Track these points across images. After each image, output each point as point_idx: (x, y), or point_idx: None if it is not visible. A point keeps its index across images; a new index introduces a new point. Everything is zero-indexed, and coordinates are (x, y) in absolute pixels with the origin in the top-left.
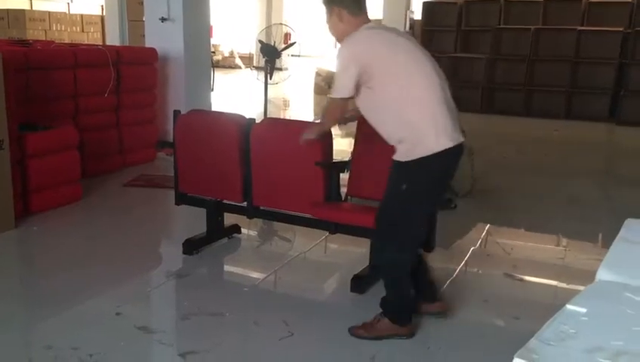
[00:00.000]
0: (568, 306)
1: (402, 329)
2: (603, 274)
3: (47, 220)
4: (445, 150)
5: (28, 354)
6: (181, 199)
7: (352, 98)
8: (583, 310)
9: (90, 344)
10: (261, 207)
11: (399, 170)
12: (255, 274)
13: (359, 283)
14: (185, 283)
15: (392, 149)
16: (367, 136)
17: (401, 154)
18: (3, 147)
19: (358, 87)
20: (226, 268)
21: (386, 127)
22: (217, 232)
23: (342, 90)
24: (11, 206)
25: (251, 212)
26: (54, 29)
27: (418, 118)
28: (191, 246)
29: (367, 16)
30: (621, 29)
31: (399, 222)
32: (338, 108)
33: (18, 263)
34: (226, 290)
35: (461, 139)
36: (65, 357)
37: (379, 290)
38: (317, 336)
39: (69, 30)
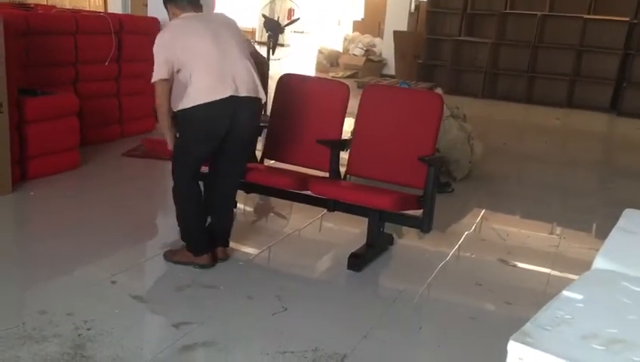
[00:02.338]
0: (564, 292)
1: (197, 258)
2: (600, 263)
3: (45, 186)
4: (200, 105)
5: (22, 317)
6: None
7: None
8: (580, 296)
9: (85, 310)
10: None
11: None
12: (250, 249)
13: (356, 261)
14: None
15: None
16: (367, 116)
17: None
18: (2, 110)
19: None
20: None
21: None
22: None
23: (155, 74)
24: (9, 170)
25: (249, 187)
26: None
27: (194, 83)
28: None
29: (194, 8)
30: (627, 19)
31: (175, 161)
32: (158, 91)
33: (14, 228)
34: (221, 264)
35: (225, 95)
36: (59, 322)
37: (375, 269)
38: (310, 313)
39: None
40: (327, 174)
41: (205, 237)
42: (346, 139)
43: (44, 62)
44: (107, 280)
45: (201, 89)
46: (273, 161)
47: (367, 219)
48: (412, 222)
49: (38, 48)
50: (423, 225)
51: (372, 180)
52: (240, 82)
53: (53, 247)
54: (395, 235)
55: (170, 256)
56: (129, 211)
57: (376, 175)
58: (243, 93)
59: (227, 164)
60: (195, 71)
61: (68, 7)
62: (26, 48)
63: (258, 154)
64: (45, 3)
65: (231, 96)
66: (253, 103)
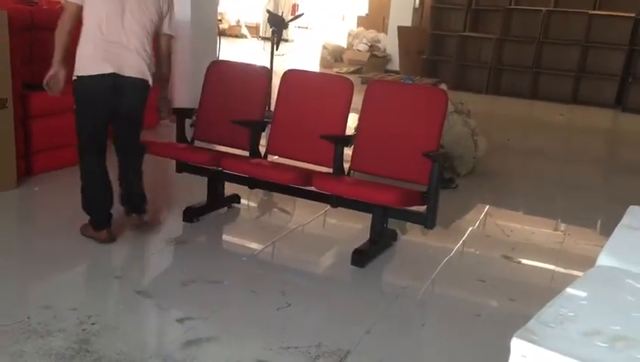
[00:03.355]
0: (568, 289)
1: (98, 233)
2: (604, 260)
3: (49, 181)
4: (84, 76)
5: (27, 311)
6: (182, 167)
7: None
8: (583, 294)
9: (89, 305)
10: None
11: None
12: (254, 245)
13: (360, 257)
14: (184, 250)
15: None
16: (371, 112)
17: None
18: (6, 106)
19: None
20: (225, 237)
21: None
22: (217, 201)
23: None
24: (14, 165)
25: (252, 182)
26: None
27: (82, 44)
28: (191, 214)
29: None
30: (633, 14)
31: (77, 133)
32: (65, 14)
33: (19, 222)
34: (225, 259)
35: (107, 71)
36: (63, 316)
37: (379, 265)
38: (313, 308)
39: None
40: (330, 170)
41: (105, 214)
42: (350, 135)
43: (48, 57)
44: (111, 275)
45: (86, 59)
46: (276, 157)
47: (370, 215)
48: (416, 218)
49: (42, 43)
50: (427, 221)
51: (376, 176)
52: (125, 61)
53: (57, 242)
54: (398, 231)
55: (82, 230)
56: None
57: (379, 171)
58: (126, 74)
59: (117, 132)
60: (85, 34)
61: None
62: (30, 43)
63: (262, 149)
64: None
65: (113, 73)
66: (137, 83)
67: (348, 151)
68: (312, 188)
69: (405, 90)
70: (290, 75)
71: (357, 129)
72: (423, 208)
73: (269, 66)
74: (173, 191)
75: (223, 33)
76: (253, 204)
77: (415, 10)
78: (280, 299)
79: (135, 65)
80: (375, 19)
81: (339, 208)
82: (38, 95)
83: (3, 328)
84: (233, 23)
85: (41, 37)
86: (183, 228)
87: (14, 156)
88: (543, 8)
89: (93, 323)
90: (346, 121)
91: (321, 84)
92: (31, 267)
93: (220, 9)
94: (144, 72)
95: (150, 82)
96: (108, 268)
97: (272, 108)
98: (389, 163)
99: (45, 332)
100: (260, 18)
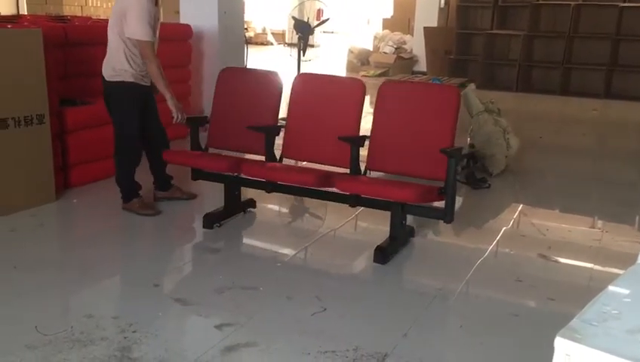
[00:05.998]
0: (611, 287)
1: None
2: None
3: (86, 193)
4: None
5: (69, 321)
6: (197, 175)
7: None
8: (626, 291)
9: (130, 314)
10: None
11: None
12: (287, 250)
13: (382, 254)
14: (219, 257)
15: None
16: (385, 112)
17: None
18: (44, 121)
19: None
20: (258, 243)
21: None
22: (235, 207)
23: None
24: (52, 179)
25: (271, 186)
26: (90, 4)
27: None
28: (211, 220)
29: None
30: None
31: None
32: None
33: (59, 234)
34: (259, 265)
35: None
36: (105, 325)
37: (413, 267)
38: (349, 312)
39: (104, 6)
40: (345, 170)
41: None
42: (366, 136)
43: (81, 72)
44: (150, 283)
45: None
46: (287, 160)
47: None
48: (435, 214)
49: (76, 59)
50: (446, 216)
51: (392, 174)
52: (105, 61)
53: (96, 252)
54: (431, 231)
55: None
56: (169, 215)
57: (396, 169)
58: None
59: None
60: None
61: (103, 17)
62: (65, 59)
63: (277, 152)
64: (80, 14)
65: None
66: (104, 79)
67: (363, 152)
68: (330, 189)
69: (417, 89)
70: (301, 79)
71: (372, 129)
72: (440, 203)
73: (296, 72)
74: (206, 199)
75: (249, 41)
76: (284, 210)
77: (441, 10)
78: (316, 304)
79: (106, 62)
80: (400, 21)
81: (370, 211)
82: (73, 110)
83: (47, 338)
84: (259, 31)
85: (74, 53)
86: (217, 236)
87: (52, 170)
88: (571, 2)
89: (134, 331)
90: (359, 122)
91: (332, 87)
92: (73, 277)
93: (245, 17)
94: (106, 69)
95: (107, 78)
96: (147, 277)
97: (284, 113)
98: (404, 160)
99: (88, 340)
100: (286, 25)
